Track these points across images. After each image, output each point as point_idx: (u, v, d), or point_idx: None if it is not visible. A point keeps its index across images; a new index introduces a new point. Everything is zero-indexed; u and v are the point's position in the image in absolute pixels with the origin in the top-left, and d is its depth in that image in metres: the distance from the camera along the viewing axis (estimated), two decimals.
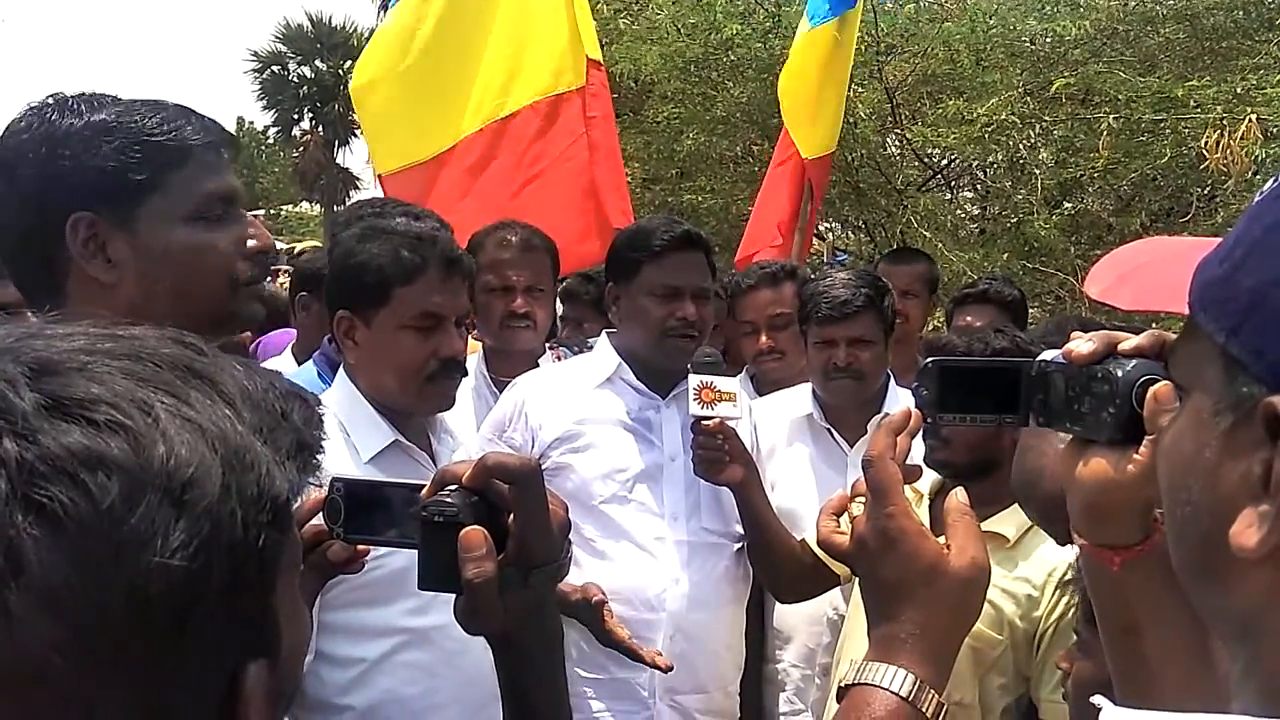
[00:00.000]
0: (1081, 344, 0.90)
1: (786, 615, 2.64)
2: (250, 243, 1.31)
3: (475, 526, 0.80)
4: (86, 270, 1.22)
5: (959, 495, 0.91)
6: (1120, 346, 0.89)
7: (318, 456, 0.61)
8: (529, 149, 3.85)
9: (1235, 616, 0.55)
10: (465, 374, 1.97)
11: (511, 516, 0.82)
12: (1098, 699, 0.67)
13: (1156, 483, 0.88)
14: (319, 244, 4.61)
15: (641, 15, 7.09)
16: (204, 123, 1.29)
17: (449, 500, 0.82)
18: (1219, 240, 0.59)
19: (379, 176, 4.03)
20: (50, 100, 1.25)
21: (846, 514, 0.99)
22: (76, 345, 0.54)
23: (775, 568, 2.38)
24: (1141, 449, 0.86)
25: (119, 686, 0.50)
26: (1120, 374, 0.86)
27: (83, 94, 1.26)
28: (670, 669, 2.17)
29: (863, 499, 0.92)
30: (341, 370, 1.98)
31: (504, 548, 0.82)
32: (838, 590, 2.44)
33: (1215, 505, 0.55)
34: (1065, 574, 1.93)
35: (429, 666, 1.80)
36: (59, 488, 0.48)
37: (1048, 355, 0.95)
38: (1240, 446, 0.53)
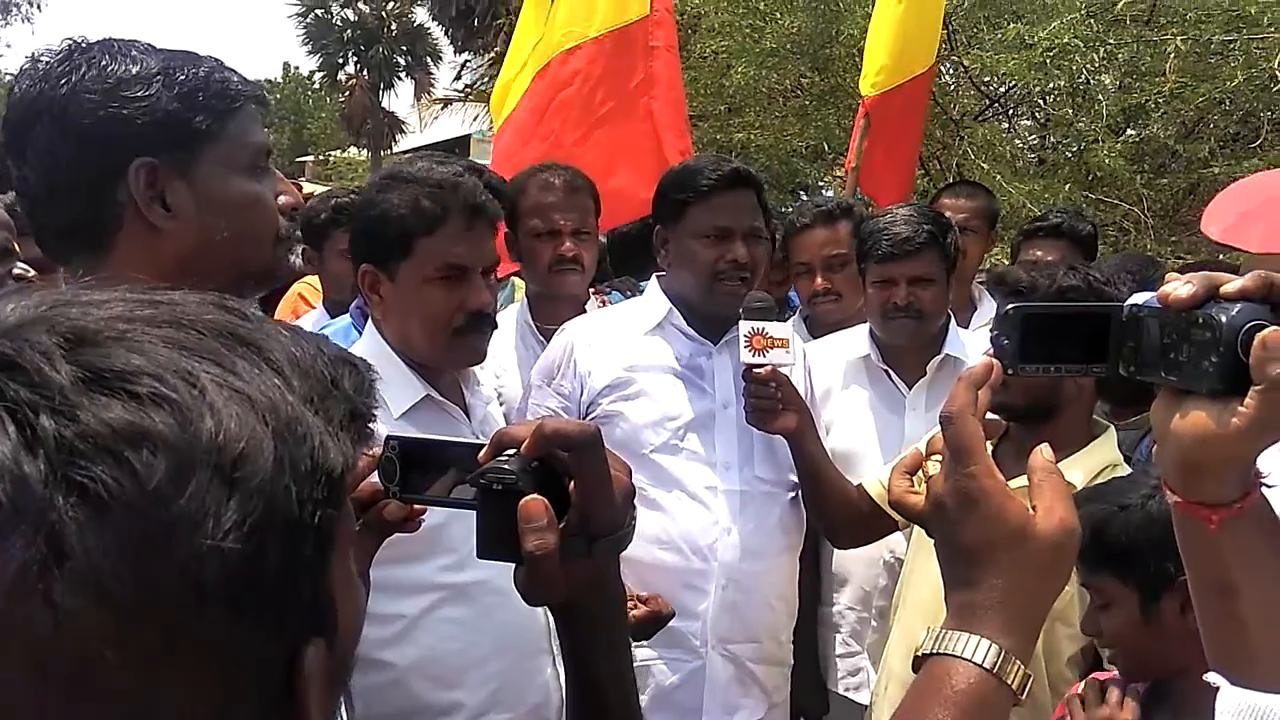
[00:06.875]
0: (1179, 286, 0.82)
1: (843, 558, 2.61)
2: (282, 199, 1.30)
3: (535, 495, 0.76)
4: (145, 217, 1.19)
5: (1044, 452, 0.85)
6: (1223, 289, 0.81)
7: (370, 426, 0.57)
8: (595, 90, 3.59)
9: None
10: (495, 327, 1.90)
11: (573, 484, 0.78)
12: (1214, 677, 0.62)
13: (1261, 437, 0.82)
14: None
15: None
16: (243, 76, 1.29)
17: (507, 466, 0.77)
18: None
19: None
20: (89, 45, 1.21)
21: (921, 472, 0.93)
22: (114, 313, 0.50)
23: (831, 514, 2.34)
24: (1247, 400, 0.79)
25: (172, 678, 0.46)
26: (1224, 319, 0.79)
27: (114, 40, 1.22)
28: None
29: (939, 457, 0.86)
30: (369, 324, 1.93)
31: (565, 515, 0.77)
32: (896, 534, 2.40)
33: None
34: None
35: (469, 622, 1.78)
36: (101, 467, 0.44)
37: (1139, 299, 0.88)
38: None
